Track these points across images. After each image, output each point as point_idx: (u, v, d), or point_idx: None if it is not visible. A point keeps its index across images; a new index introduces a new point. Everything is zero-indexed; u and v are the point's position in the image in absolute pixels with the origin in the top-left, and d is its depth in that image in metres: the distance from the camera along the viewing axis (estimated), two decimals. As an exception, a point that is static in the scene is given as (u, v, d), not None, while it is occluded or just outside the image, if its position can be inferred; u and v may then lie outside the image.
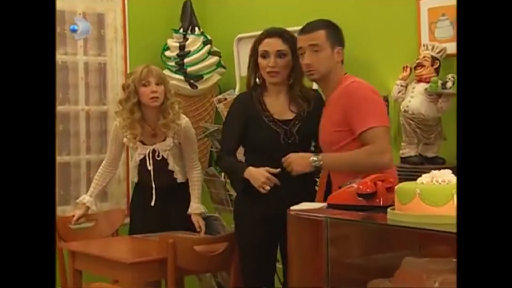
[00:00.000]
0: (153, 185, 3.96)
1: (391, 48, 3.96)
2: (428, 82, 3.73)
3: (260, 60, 3.40)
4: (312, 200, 3.34)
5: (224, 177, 4.38)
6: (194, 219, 3.98)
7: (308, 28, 3.25)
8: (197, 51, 4.64)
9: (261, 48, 3.39)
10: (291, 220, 2.80)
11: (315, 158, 3.13)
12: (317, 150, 3.41)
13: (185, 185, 4.05)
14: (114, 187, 4.77)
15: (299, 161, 3.16)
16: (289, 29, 3.55)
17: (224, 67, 4.74)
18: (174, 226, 3.90)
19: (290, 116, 3.44)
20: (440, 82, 3.68)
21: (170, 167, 3.99)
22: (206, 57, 4.66)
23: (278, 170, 3.26)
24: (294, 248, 2.84)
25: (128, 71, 4.73)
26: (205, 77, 4.65)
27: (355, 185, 2.78)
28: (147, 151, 3.95)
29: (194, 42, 4.64)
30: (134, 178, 4.10)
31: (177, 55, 4.64)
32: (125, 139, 3.99)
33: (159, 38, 4.76)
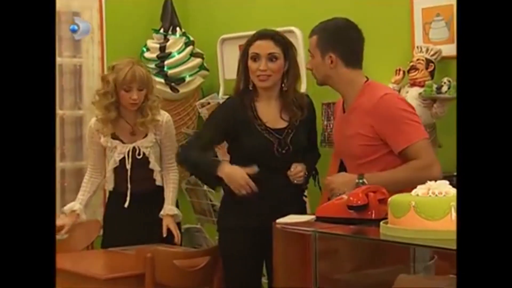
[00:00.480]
0: (128, 186, 3.76)
1: (383, 50, 3.82)
2: (422, 86, 3.62)
3: (250, 63, 3.24)
4: (301, 210, 3.29)
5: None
6: (166, 222, 3.74)
7: (310, 33, 3.15)
8: (179, 52, 4.49)
9: (252, 50, 3.24)
10: (277, 233, 2.68)
11: (360, 181, 2.92)
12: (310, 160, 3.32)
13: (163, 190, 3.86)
14: None
15: (344, 187, 2.93)
16: (278, 29, 3.43)
17: (207, 70, 4.61)
18: (152, 237, 3.69)
19: (282, 124, 3.29)
20: (435, 86, 3.58)
21: (151, 166, 3.78)
22: (188, 59, 4.52)
23: (256, 169, 3.12)
24: (280, 263, 2.72)
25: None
26: (187, 80, 4.51)
27: (345, 197, 2.62)
28: (127, 150, 3.77)
29: (175, 43, 4.51)
30: (109, 185, 3.87)
31: (157, 56, 4.51)
32: (101, 139, 3.79)
33: (138, 39, 4.61)
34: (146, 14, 4.72)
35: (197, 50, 4.59)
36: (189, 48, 4.52)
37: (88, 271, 3.45)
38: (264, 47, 3.22)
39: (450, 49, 3.57)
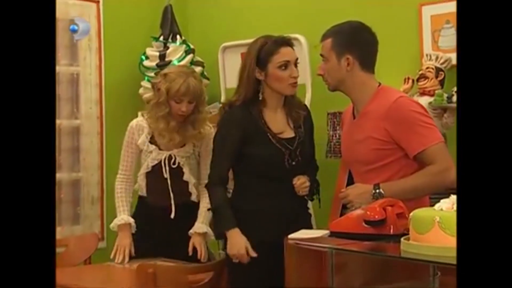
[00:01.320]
0: (171, 195, 3.56)
1: (391, 58, 3.72)
2: (432, 95, 3.54)
3: (277, 71, 3.10)
4: (307, 223, 3.22)
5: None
6: (193, 240, 3.54)
7: (322, 36, 3.04)
8: (179, 60, 4.38)
9: (281, 58, 3.10)
10: (290, 249, 2.54)
11: (376, 191, 2.82)
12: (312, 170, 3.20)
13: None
14: (87, 208, 4.50)
15: (360, 199, 2.84)
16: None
17: (208, 79, 4.49)
18: (179, 254, 3.52)
19: (291, 133, 3.19)
20: (445, 95, 3.49)
21: (185, 177, 3.58)
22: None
23: (255, 255, 3.06)
24: (293, 279, 2.58)
25: (104, 83, 4.43)
26: (187, 89, 4.34)
27: (360, 211, 2.49)
28: (163, 157, 3.57)
29: (175, 51, 4.40)
30: (141, 190, 3.66)
31: (157, 65, 4.38)
32: (140, 140, 3.60)
33: (137, 47, 4.51)
34: (145, 21, 4.63)
35: (198, 58, 4.49)
36: (190, 56, 4.42)
37: (87, 287, 3.33)
38: (291, 53, 3.14)
39: (460, 57, 3.49)
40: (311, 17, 4.15)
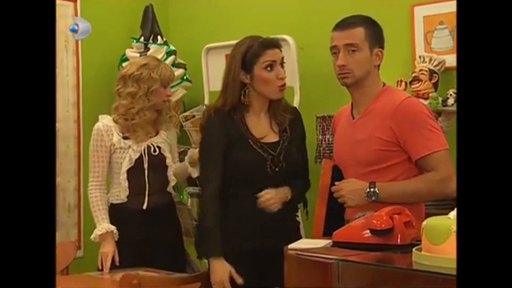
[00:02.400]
0: (147, 187, 3.45)
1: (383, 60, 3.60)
2: (426, 99, 3.45)
3: (263, 73, 2.98)
4: (295, 231, 3.08)
5: (191, 205, 4.03)
6: None
7: (345, 24, 2.87)
8: None
9: (266, 58, 2.98)
10: (290, 260, 2.40)
11: (371, 189, 2.70)
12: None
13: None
14: (63, 216, 4.34)
15: (352, 195, 2.74)
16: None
17: (190, 81, 4.39)
18: (162, 258, 3.43)
19: (274, 138, 3.05)
20: (440, 98, 3.39)
21: (168, 162, 3.52)
22: None
23: (241, 281, 2.93)
24: None
25: (81, 85, 4.29)
26: (169, 92, 4.25)
27: (365, 220, 2.38)
28: (142, 148, 3.48)
29: (156, 52, 4.25)
30: (123, 193, 3.48)
31: None
32: (114, 139, 3.47)
33: (116, 48, 4.39)
34: (125, 21, 4.50)
35: (179, 60, 4.38)
36: (171, 58, 4.30)
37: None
38: (276, 53, 3.01)
39: (454, 59, 3.38)
40: (299, 17, 4.06)
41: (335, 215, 2.92)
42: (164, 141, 3.54)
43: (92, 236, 3.46)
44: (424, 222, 2.09)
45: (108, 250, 3.42)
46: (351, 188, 2.74)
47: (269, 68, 2.97)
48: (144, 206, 3.45)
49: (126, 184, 3.46)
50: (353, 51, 2.81)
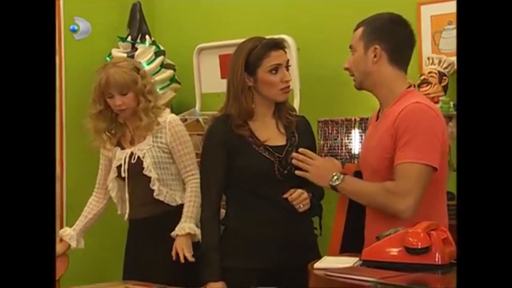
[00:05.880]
0: (127, 196, 3.33)
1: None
2: (436, 102, 3.34)
3: (269, 76, 2.85)
4: (313, 246, 2.89)
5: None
6: (176, 243, 3.21)
7: (355, 27, 2.76)
8: (148, 63, 4.10)
9: (271, 62, 2.85)
10: (317, 281, 2.22)
11: (336, 176, 2.60)
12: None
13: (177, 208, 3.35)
14: None
15: (319, 171, 2.66)
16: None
17: (179, 83, 4.23)
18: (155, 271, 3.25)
19: (281, 141, 2.91)
20: (451, 102, 3.23)
21: (145, 171, 3.28)
22: (159, 71, 4.14)
23: None
24: None
25: (64, 87, 4.10)
26: (157, 93, 4.15)
27: (397, 236, 2.21)
28: (124, 156, 3.34)
29: (144, 52, 4.12)
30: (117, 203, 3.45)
31: None
32: (107, 146, 3.39)
33: (102, 48, 4.21)
34: (111, 19, 4.33)
35: (168, 61, 4.23)
36: (160, 59, 4.15)
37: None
38: (283, 56, 2.89)
39: (464, 62, 3.27)
40: (298, 16, 3.92)
41: (354, 229, 2.75)
42: (148, 146, 3.31)
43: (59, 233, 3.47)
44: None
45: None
46: (320, 166, 2.66)
47: (274, 71, 2.85)
48: (126, 217, 3.37)
49: (113, 194, 3.40)
50: (353, 52, 2.71)
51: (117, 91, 3.26)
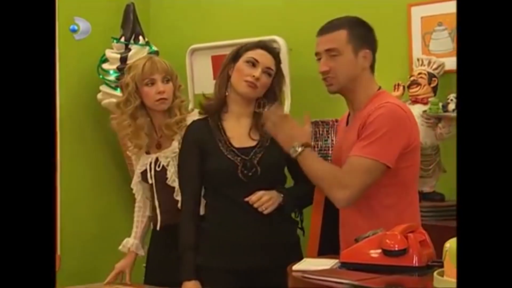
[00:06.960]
0: (157, 203, 3.13)
1: (377, 63, 3.44)
2: (425, 104, 3.33)
3: (243, 65, 2.87)
4: (294, 247, 2.88)
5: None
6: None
7: (326, 28, 2.70)
8: None
9: (250, 55, 2.89)
10: (295, 283, 2.19)
11: (297, 147, 2.57)
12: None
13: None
14: None
15: (286, 137, 2.62)
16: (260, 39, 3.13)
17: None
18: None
19: (251, 142, 2.89)
20: (441, 103, 3.23)
21: (168, 181, 3.06)
22: None
23: None
24: None
25: (57, 88, 4.06)
26: (150, 94, 4.03)
27: (375, 239, 2.21)
28: (149, 161, 3.14)
29: (137, 53, 4.06)
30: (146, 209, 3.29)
31: (118, 68, 4.07)
32: (128, 152, 3.28)
33: (96, 48, 4.17)
34: (105, 20, 4.29)
35: (162, 61, 4.17)
36: (153, 59, 4.08)
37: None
38: (266, 58, 2.89)
39: (454, 63, 3.25)
40: (289, 17, 3.91)
41: (333, 230, 2.75)
42: (174, 153, 3.08)
43: (120, 247, 3.30)
44: (448, 244, 1.93)
45: (119, 265, 3.24)
46: (291, 131, 2.61)
47: (250, 64, 2.86)
48: (158, 226, 3.16)
49: (138, 198, 3.28)
50: (334, 55, 2.64)
51: (161, 76, 3.09)
